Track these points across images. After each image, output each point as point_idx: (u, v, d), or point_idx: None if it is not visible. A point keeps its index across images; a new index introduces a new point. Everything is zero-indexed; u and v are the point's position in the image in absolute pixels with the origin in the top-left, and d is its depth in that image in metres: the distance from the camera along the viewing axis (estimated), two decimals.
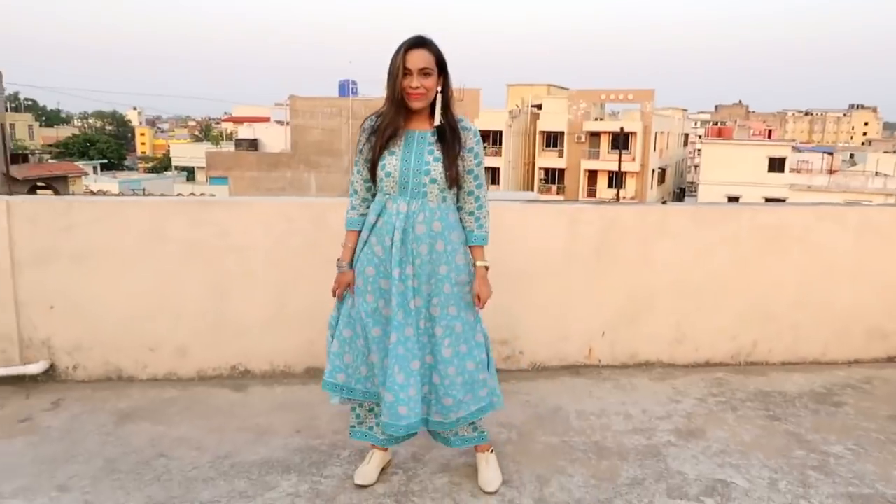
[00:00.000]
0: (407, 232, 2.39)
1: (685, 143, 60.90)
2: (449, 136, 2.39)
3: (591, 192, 44.60)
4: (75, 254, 3.44)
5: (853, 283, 3.95)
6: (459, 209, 2.50)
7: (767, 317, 3.92)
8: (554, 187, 45.38)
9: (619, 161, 33.79)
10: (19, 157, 25.83)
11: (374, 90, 33.40)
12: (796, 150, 46.74)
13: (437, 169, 2.36)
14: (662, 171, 49.25)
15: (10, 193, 20.62)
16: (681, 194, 56.17)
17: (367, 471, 2.60)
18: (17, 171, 23.78)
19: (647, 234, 3.78)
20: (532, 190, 45.60)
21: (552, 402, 3.37)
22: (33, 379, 3.49)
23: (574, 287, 3.77)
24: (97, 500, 2.47)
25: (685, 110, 66.87)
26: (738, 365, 3.92)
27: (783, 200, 41.46)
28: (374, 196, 2.49)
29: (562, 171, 45.46)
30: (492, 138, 43.03)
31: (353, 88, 34.32)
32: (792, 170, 43.19)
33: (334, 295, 2.51)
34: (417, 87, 2.31)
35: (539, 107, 47.22)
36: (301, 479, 2.63)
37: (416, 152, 2.38)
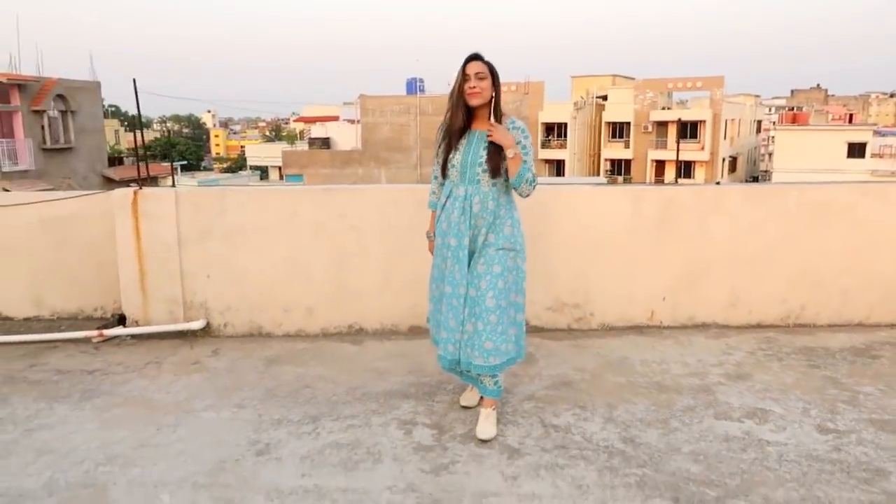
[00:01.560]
0: (465, 210, 2.96)
1: (758, 131, 59.27)
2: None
3: (659, 183, 44.10)
4: (227, 232, 4.27)
5: None
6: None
7: (815, 283, 4.40)
8: (620, 178, 45.12)
9: (678, 150, 33.43)
10: (115, 160, 27.96)
11: (441, 87, 34.31)
12: (878, 133, 44.83)
13: (488, 161, 2.91)
14: (734, 160, 48.23)
15: None
16: (754, 182, 54.73)
17: (469, 395, 3.30)
18: (114, 172, 25.77)
19: (703, 211, 4.33)
20: None
21: (619, 354, 3.98)
22: (194, 334, 4.35)
23: (638, 258, 4.36)
24: (267, 413, 3.25)
25: (758, 96, 64.94)
26: (788, 327, 4.42)
27: None
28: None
29: (628, 161, 45.21)
30: (556, 130, 43.20)
31: (420, 86, 35.24)
32: (874, 155, 41.53)
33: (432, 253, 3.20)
34: (474, 87, 2.89)
35: (604, 97, 47.04)
36: (418, 403, 3.35)
37: (475, 148, 2.96)
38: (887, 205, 4.38)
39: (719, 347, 4.08)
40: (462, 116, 2.96)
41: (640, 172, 44.26)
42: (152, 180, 29.43)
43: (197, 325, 4.31)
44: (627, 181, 44.39)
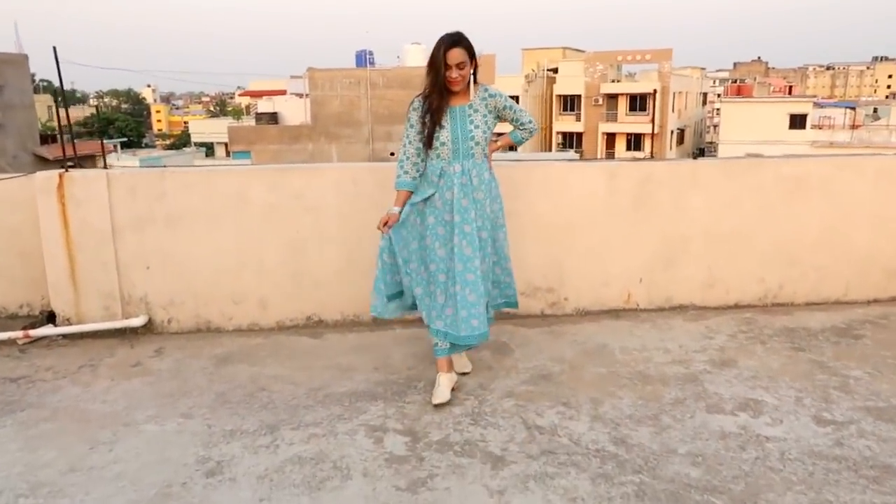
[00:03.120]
0: (466, 186, 3.03)
1: (704, 103, 60.23)
2: (480, 107, 3.05)
3: (610, 156, 44.42)
4: (168, 218, 3.86)
5: (872, 227, 4.26)
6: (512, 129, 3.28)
7: (792, 261, 4.26)
8: (572, 151, 45.24)
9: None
10: (49, 137, 26.41)
11: (391, 59, 33.49)
12: (818, 105, 46.09)
13: (478, 134, 3.04)
14: (681, 132, 48.91)
15: None
16: (700, 155, 55.57)
17: (440, 391, 3.03)
18: (48, 151, 24.34)
19: (680, 187, 4.12)
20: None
21: (598, 341, 3.76)
22: (134, 331, 3.94)
23: (613, 237, 4.13)
24: (217, 423, 2.91)
25: (703, 69, 65.90)
26: (766, 306, 4.27)
27: None
28: (423, 162, 3.10)
29: (579, 134, 45.35)
30: None
31: (370, 59, 34.41)
32: (813, 126, 42.69)
33: (380, 228, 3.08)
34: (456, 77, 2.95)
35: (555, 70, 46.91)
36: (387, 404, 3.05)
37: (461, 124, 3.03)
38: (863, 178, 4.25)
39: (699, 331, 3.90)
40: (443, 99, 3.00)
41: (591, 145, 44.49)
42: (88, 160, 28.01)
43: (137, 321, 3.90)
44: (579, 154, 44.58)
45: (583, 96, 44.60)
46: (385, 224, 3.06)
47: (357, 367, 3.48)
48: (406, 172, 3.10)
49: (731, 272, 4.24)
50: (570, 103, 45.87)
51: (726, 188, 4.15)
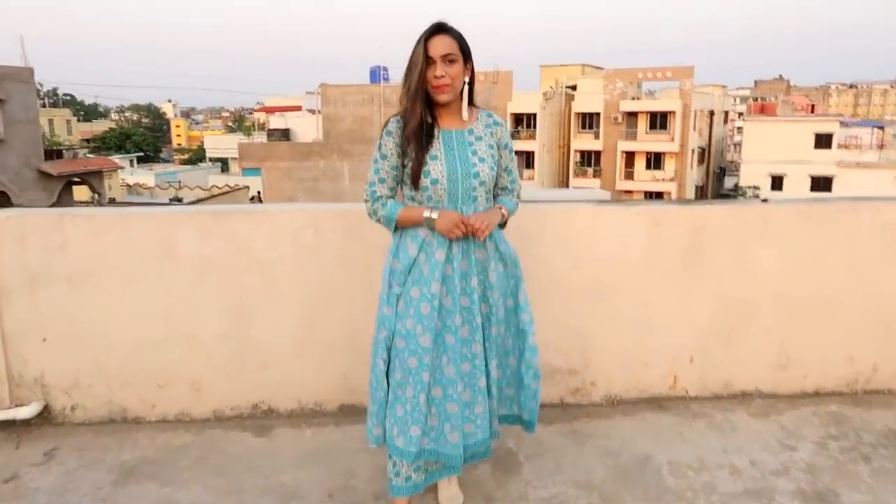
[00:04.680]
0: (469, 242, 2.19)
1: (725, 121, 58.99)
2: (484, 133, 2.24)
3: (629, 175, 43.45)
4: (72, 276, 2.93)
5: None
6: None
7: (891, 334, 3.25)
8: (590, 170, 44.27)
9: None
10: (53, 152, 25.87)
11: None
12: (844, 125, 44.73)
13: (484, 170, 2.19)
14: (703, 151, 47.72)
15: (44, 190, 20.55)
16: (721, 174, 54.49)
17: None
18: (51, 167, 23.73)
19: (744, 237, 3.14)
20: (568, 173, 44.59)
21: (637, 450, 2.77)
22: (25, 423, 3.01)
23: (655, 303, 3.16)
24: None
25: (724, 87, 64.80)
26: (856, 394, 3.26)
27: (831, 179, 39.78)
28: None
29: (598, 153, 44.28)
30: (526, 121, 42.13)
31: (384, 74, 33.73)
32: (840, 146, 41.38)
33: (456, 232, 2.14)
34: (442, 77, 2.10)
35: (574, 88, 45.99)
36: None
37: (459, 154, 2.18)
38: None
39: (774, 434, 2.90)
40: (425, 113, 2.15)
41: (610, 164, 43.42)
42: (95, 175, 27.44)
43: (27, 411, 2.97)
44: (597, 173, 43.60)
45: (602, 114, 43.60)
46: (462, 224, 2.14)
47: (305, 491, 2.51)
48: (388, 197, 2.25)
49: (810, 349, 3.23)
50: (588, 121, 44.89)
51: (806, 239, 3.16)
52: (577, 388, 3.18)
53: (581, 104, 44.76)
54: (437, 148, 2.16)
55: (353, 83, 33.24)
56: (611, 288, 3.12)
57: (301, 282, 3.03)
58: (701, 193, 46.59)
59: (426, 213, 2.15)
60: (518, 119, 42.06)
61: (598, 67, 51.24)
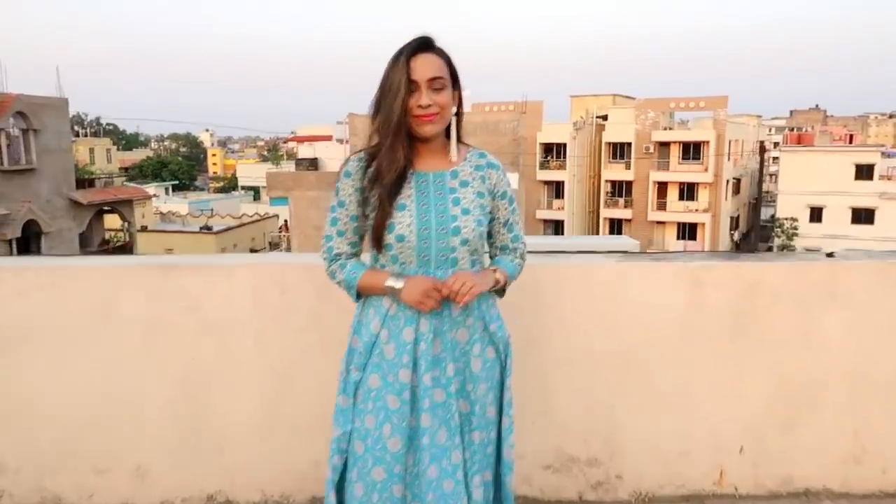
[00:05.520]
0: (442, 319, 1.71)
1: (761, 151, 57.79)
2: (472, 177, 1.77)
3: (661, 206, 42.61)
4: None
5: None
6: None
7: None
8: (621, 200, 43.55)
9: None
10: (85, 181, 26.13)
11: None
12: (886, 155, 43.32)
13: (468, 225, 1.71)
14: (737, 182, 46.64)
15: (75, 218, 20.68)
16: (757, 204, 53.26)
17: None
18: (82, 195, 23.96)
19: (808, 302, 2.55)
20: (598, 203, 43.86)
21: None
22: None
23: (698, 379, 2.58)
24: None
25: (759, 116, 63.75)
26: None
27: (873, 211, 38.36)
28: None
29: (629, 183, 43.55)
30: (555, 151, 41.70)
31: None
32: (882, 177, 40.04)
33: (430, 304, 1.66)
34: (429, 106, 1.67)
35: (604, 118, 45.51)
36: None
37: (436, 203, 1.72)
38: None
39: None
40: (408, 153, 1.71)
41: (642, 194, 42.62)
42: (126, 204, 27.62)
43: None
44: (629, 203, 42.84)
45: (633, 144, 42.96)
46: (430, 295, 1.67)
47: None
48: (349, 255, 1.81)
49: (891, 439, 2.62)
50: (619, 151, 44.27)
51: (886, 305, 2.56)
52: (600, 482, 2.60)
53: (612, 134, 44.21)
54: (408, 195, 1.69)
55: None
56: (643, 360, 2.56)
57: (264, 349, 2.53)
58: (735, 225, 45.50)
59: (388, 282, 1.66)
60: (548, 149, 41.68)
61: (628, 97, 50.79)
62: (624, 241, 5.85)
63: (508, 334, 1.81)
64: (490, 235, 1.85)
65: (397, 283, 1.67)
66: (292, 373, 2.54)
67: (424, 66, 1.67)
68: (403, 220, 1.67)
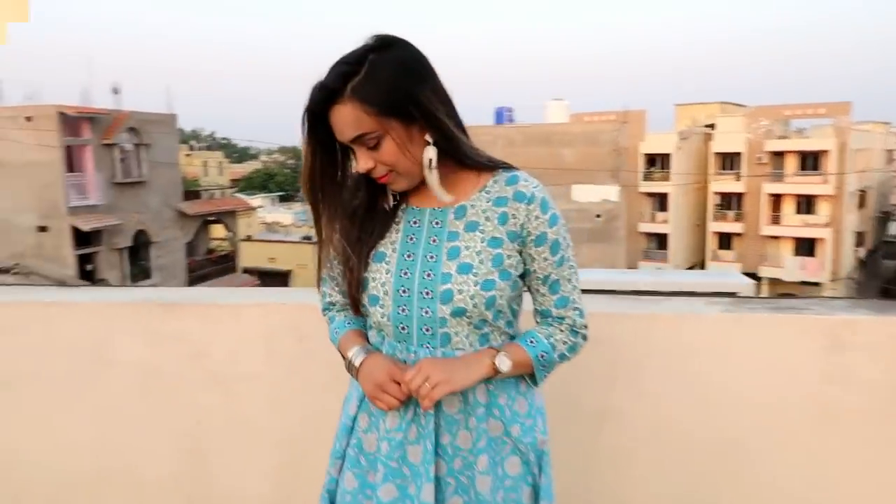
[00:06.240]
0: (421, 416, 1.23)
1: (889, 161, 53.17)
2: (487, 215, 1.22)
3: (775, 219, 39.90)
4: None
5: None
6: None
7: None
8: (731, 213, 41.14)
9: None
10: (192, 194, 27.37)
11: (529, 115, 32.06)
12: None
13: (466, 287, 1.19)
14: (863, 194, 42.98)
15: (182, 228, 21.67)
16: (885, 219, 48.94)
17: None
18: (189, 206, 25.07)
19: None
20: (705, 216, 41.61)
21: None
22: None
23: (837, 472, 1.91)
24: None
25: (888, 124, 58.74)
26: None
27: None
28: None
29: (740, 195, 41.10)
30: (660, 162, 40.04)
31: (509, 116, 33.23)
32: None
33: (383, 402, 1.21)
34: (373, 169, 1.19)
35: (712, 126, 43.25)
36: None
37: (425, 254, 1.22)
38: None
39: None
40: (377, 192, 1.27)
41: (753, 207, 40.10)
42: (229, 215, 28.72)
43: None
44: (739, 217, 40.41)
45: (744, 154, 40.54)
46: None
47: None
48: (341, 306, 1.38)
49: None
50: (728, 162, 41.91)
51: None
52: None
53: (720, 144, 41.95)
54: (392, 240, 1.24)
55: (477, 124, 33.03)
56: (758, 450, 1.92)
57: (280, 407, 2.10)
58: (860, 241, 41.95)
59: (350, 354, 1.22)
60: (651, 160, 40.09)
61: (738, 105, 48.12)
62: (733, 280, 4.90)
63: (543, 438, 1.26)
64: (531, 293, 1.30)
65: (357, 359, 1.20)
66: (312, 436, 2.08)
67: (338, 126, 1.17)
68: (378, 277, 1.20)
